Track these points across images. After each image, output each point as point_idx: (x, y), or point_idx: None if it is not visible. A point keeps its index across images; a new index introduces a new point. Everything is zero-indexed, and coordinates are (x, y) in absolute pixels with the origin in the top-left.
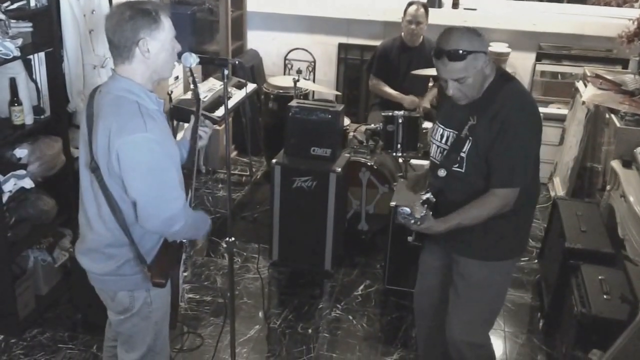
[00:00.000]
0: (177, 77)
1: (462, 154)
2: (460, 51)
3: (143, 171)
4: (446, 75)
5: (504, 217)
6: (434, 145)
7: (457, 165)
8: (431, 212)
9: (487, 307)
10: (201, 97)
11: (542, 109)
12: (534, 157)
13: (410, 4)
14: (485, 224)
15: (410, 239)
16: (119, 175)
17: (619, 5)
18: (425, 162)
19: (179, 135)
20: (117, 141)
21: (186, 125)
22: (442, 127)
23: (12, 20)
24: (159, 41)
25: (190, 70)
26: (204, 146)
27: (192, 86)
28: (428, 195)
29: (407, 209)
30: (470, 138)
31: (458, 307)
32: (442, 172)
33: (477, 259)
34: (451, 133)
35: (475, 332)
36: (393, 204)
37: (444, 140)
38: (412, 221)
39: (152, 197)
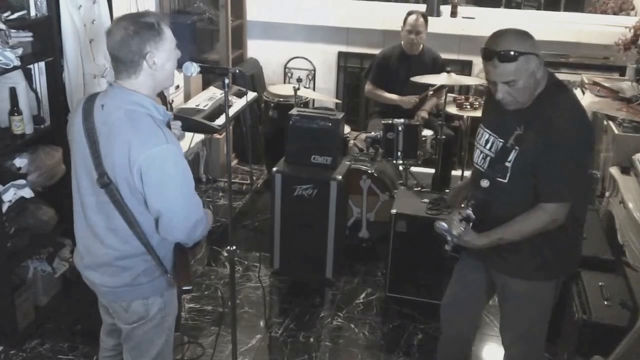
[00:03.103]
0: (177, 86)
1: (507, 164)
2: (512, 52)
3: (171, 182)
4: (496, 78)
5: (550, 236)
6: (478, 150)
7: (500, 175)
8: (471, 225)
9: (540, 322)
10: (202, 105)
11: None
12: (585, 172)
13: (409, 14)
14: (531, 243)
15: (447, 248)
16: (139, 190)
17: (615, 13)
18: (426, 170)
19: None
20: (140, 156)
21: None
22: (488, 131)
23: (13, 30)
24: (164, 52)
25: None
26: (205, 142)
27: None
28: (468, 211)
29: (445, 225)
30: (517, 148)
31: (508, 324)
32: (485, 183)
33: (524, 278)
34: (496, 140)
35: (532, 348)
36: (394, 211)
37: (488, 146)
38: (449, 238)
39: (180, 206)
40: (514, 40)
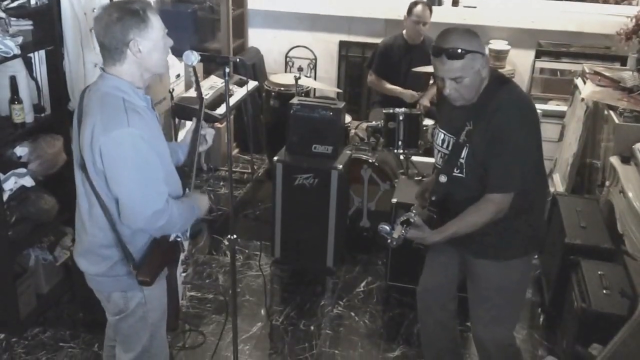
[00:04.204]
0: (178, 75)
1: (461, 160)
2: (459, 50)
3: (127, 167)
4: (444, 74)
5: (515, 216)
6: (436, 150)
7: (458, 171)
8: (409, 228)
9: (510, 306)
10: (203, 95)
11: (541, 106)
12: (533, 158)
13: (415, 4)
14: (496, 224)
15: (392, 245)
16: (102, 172)
17: (617, 3)
18: (427, 159)
19: (180, 134)
20: (100, 137)
21: (187, 124)
22: (443, 132)
23: (13, 18)
24: (150, 40)
25: (194, 71)
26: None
27: (194, 87)
28: (409, 214)
29: (387, 228)
30: (468, 144)
31: (480, 308)
32: (442, 179)
33: (493, 259)
34: (450, 138)
35: (502, 332)
36: (394, 200)
37: (445, 146)
38: (389, 240)
39: (135, 193)
40: (462, 39)
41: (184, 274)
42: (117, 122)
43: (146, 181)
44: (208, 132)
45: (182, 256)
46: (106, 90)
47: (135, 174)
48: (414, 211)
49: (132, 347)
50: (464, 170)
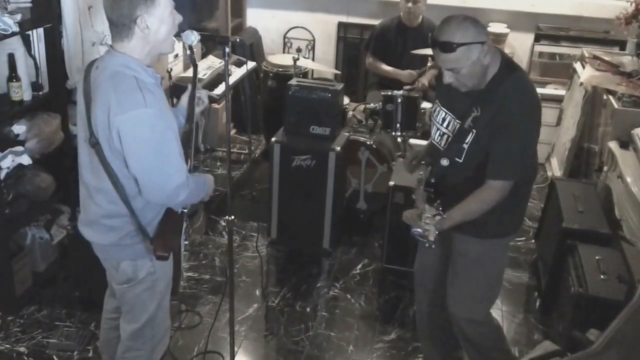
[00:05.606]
0: (176, 55)
1: (464, 145)
2: (452, 44)
3: (146, 147)
4: (440, 65)
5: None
6: (435, 127)
7: (457, 155)
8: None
9: (485, 284)
10: (201, 74)
11: (539, 90)
12: (534, 148)
13: None
14: None
15: (427, 245)
16: (119, 151)
17: None
18: (424, 142)
19: None
20: (117, 118)
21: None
22: (445, 110)
23: None
24: (157, 17)
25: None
26: (204, 112)
27: (187, 52)
28: (433, 208)
29: (420, 231)
30: (474, 130)
31: (456, 283)
32: (445, 162)
33: (474, 236)
34: (453, 120)
35: (474, 309)
36: (391, 183)
37: (445, 124)
38: (427, 244)
39: (156, 171)
40: (457, 31)
41: (186, 242)
42: (134, 102)
43: (165, 158)
44: (202, 93)
45: (184, 225)
46: (116, 69)
47: (154, 152)
48: (440, 208)
49: (138, 318)
50: (464, 155)
